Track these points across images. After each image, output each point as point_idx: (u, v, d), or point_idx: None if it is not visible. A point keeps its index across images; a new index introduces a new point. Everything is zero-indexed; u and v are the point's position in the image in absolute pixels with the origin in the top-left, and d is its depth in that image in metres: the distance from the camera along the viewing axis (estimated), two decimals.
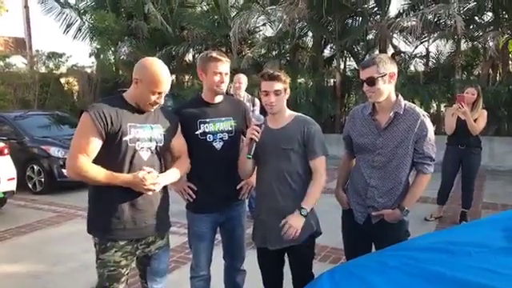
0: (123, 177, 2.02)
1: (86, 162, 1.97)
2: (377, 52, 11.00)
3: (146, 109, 2.12)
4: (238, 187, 2.58)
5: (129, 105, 2.11)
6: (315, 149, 2.33)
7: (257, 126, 2.28)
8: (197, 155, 2.41)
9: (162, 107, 2.25)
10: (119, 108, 2.06)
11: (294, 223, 2.22)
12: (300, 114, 2.47)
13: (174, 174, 2.24)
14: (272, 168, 2.36)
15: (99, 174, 1.98)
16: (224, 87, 2.48)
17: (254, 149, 2.28)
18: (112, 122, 2.00)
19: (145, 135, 2.11)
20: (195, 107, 2.51)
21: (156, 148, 2.15)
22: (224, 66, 2.44)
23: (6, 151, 5.72)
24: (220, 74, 2.42)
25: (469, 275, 1.53)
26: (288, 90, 2.37)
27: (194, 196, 2.49)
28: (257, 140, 2.27)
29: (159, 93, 2.07)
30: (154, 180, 2.06)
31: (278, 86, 2.30)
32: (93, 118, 1.97)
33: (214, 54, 2.44)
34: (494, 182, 7.28)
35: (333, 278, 1.82)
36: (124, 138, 2.03)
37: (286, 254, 2.45)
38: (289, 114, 2.43)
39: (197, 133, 2.44)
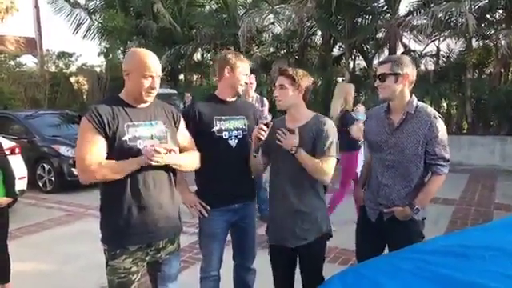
0: (131, 160, 1.96)
1: (96, 165, 1.92)
2: (386, 51, 10.93)
3: (144, 99, 2.04)
4: None
5: (125, 103, 2.06)
6: (324, 148, 2.25)
7: (264, 124, 2.25)
8: (212, 152, 2.39)
9: (160, 104, 2.20)
10: (115, 108, 2.01)
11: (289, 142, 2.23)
12: (319, 114, 2.39)
13: (181, 157, 2.13)
14: (285, 169, 2.32)
15: (112, 169, 1.93)
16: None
17: (260, 147, 2.28)
18: (109, 124, 1.96)
19: (145, 133, 2.04)
20: (210, 104, 2.53)
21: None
22: (249, 68, 2.60)
23: (16, 150, 5.76)
24: (247, 75, 2.56)
25: (484, 280, 1.49)
26: (301, 88, 2.30)
27: (206, 214, 2.48)
28: (262, 139, 2.24)
29: (151, 76, 2.00)
30: (159, 149, 1.94)
31: (282, 80, 2.31)
32: (89, 120, 1.95)
33: (243, 57, 2.55)
34: (506, 183, 7.18)
35: (344, 280, 1.80)
36: (123, 138, 1.98)
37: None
38: (307, 114, 2.38)
39: (213, 130, 2.45)
